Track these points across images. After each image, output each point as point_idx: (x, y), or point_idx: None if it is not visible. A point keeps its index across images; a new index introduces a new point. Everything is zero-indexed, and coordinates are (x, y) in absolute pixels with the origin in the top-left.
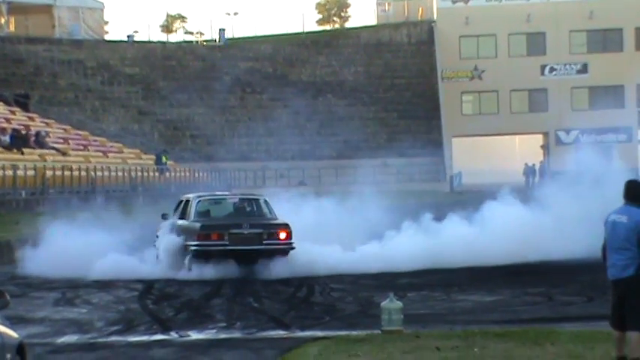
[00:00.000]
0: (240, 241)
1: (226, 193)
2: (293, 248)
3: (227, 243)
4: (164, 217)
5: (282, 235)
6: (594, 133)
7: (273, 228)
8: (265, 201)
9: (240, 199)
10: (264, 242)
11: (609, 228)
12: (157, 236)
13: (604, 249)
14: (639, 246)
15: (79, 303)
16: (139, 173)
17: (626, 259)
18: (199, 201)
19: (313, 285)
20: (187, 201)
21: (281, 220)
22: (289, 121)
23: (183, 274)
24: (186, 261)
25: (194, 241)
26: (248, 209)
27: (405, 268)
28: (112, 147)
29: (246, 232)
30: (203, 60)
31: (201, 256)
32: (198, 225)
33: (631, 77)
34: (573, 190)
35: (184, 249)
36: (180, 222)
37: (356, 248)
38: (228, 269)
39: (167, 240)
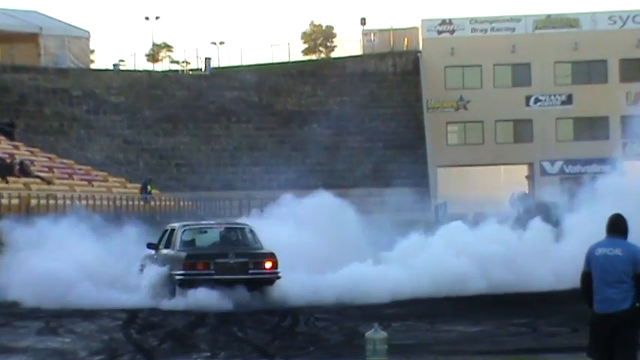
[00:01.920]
0: (226, 270)
1: (212, 222)
2: (279, 277)
3: (213, 272)
4: (149, 246)
5: (268, 265)
6: (579, 164)
7: (258, 257)
8: (251, 230)
9: (226, 228)
10: (250, 271)
11: (601, 262)
12: (141, 265)
13: (586, 282)
14: (635, 278)
15: (63, 332)
16: (124, 202)
17: (623, 292)
18: (185, 230)
19: (298, 314)
20: (172, 230)
21: (267, 249)
22: (275, 150)
23: (168, 304)
24: (173, 290)
25: (180, 270)
26: (234, 238)
27: None
28: (97, 176)
29: (232, 261)
30: (189, 89)
31: (187, 285)
32: (184, 254)
33: (615, 109)
34: None
35: (170, 278)
36: (166, 251)
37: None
38: (213, 299)
39: (152, 269)
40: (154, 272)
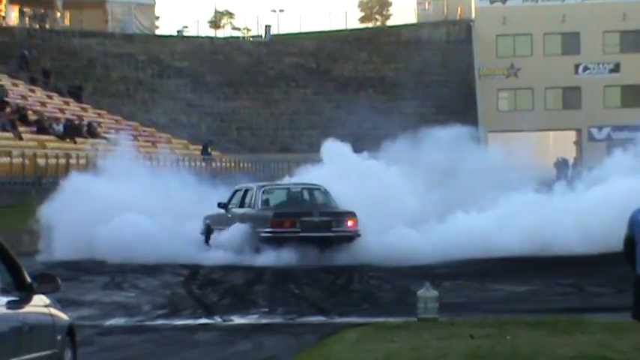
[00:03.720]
0: (312, 228)
1: (287, 182)
2: (359, 235)
3: (299, 230)
4: (219, 205)
5: (350, 223)
6: (626, 131)
7: (341, 216)
8: (325, 190)
9: (303, 188)
10: (333, 229)
11: None
12: (207, 224)
13: (629, 246)
14: None
15: (127, 287)
16: (186, 163)
17: None
18: (264, 190)
19: (352, 273)
20: (247, 190)
21: (347, 208)
22: (331, 114)
23: (249, 260)
24: (258, 248)
25: (266, 228)
26: (311, 198)
27: None
28: (160, 137)
29: (316, 219)
30: (249, 55)
31: (273, 242)
32: (270, 213)
33: None
34: None
35: (253, 236)
36: (243, 210)
37: None
38: (297, 256)
39: (232, 228)
40: (235, 230)
